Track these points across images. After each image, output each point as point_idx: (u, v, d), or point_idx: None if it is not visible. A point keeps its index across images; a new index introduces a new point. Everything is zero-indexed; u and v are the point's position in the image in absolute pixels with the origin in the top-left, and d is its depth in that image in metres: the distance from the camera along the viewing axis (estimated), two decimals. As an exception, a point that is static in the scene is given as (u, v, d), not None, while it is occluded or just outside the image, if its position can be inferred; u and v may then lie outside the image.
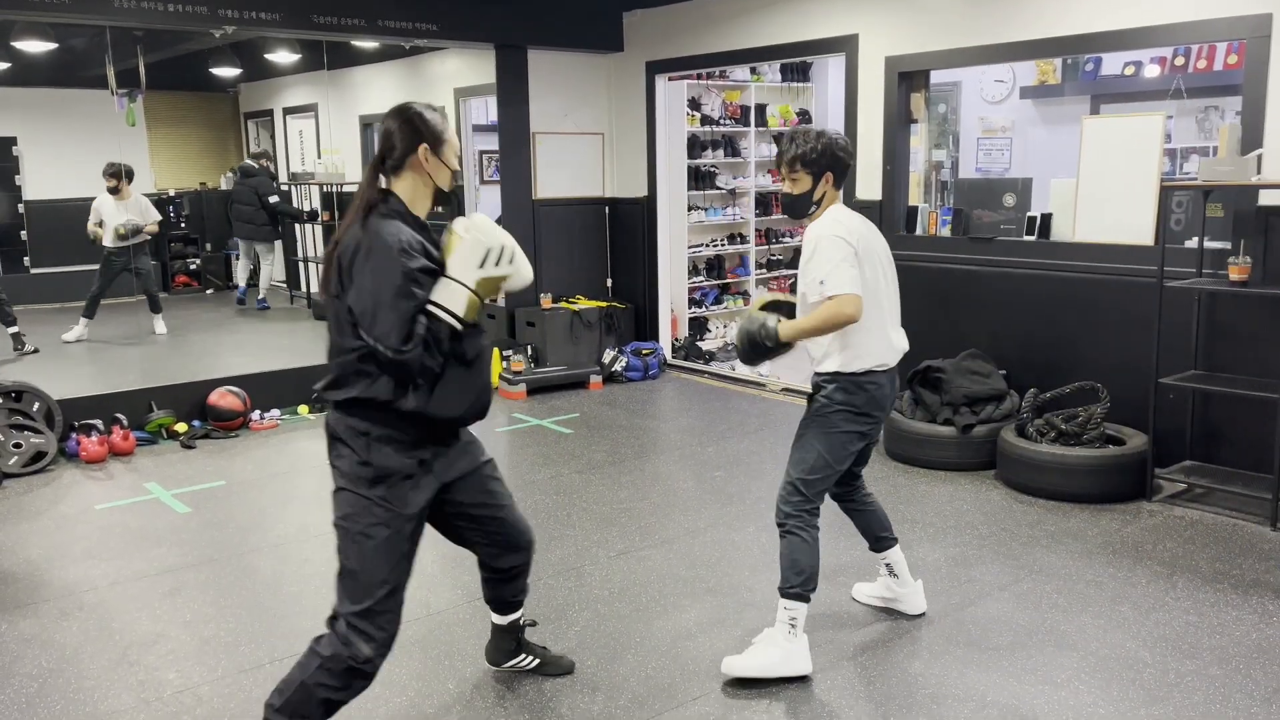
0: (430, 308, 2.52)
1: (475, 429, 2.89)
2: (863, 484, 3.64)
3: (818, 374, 3.37)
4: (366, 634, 2.60)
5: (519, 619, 3.27)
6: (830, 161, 3.29)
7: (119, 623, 3.78)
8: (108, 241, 8.75)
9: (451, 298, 2.54)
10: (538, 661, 3.32)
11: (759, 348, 3.27)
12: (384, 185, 2.68)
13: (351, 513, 2.63)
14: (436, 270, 2.58)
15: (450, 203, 2.79)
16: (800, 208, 3.34)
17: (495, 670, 3.35)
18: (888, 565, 3.70)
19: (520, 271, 2.68)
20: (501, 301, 8.16)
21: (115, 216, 8.75)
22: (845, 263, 3.15)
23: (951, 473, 5.35)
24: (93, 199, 8.88)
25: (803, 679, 3.26)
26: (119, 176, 8.78)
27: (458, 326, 2.55)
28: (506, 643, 3.29)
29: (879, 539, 3.67)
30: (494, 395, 2.91)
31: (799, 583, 3.25)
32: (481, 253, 2.56)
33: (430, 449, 2.70)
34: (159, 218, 9.07)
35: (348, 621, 2.60)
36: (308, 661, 2.63)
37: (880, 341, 3.31)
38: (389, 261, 2.48)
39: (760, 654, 3.28)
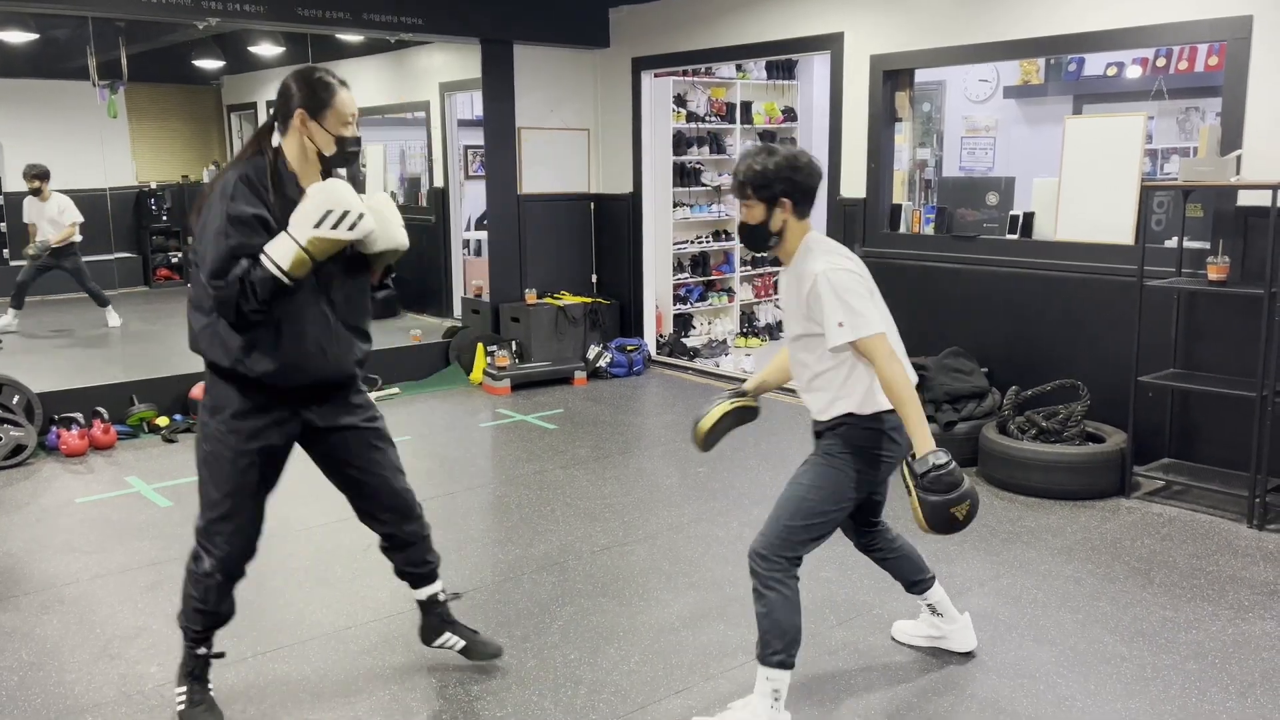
0: (262, 257, 2.61)
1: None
2: (886, 528, 3.25)
3: (823, 420, 2.94)
4: (206, 548, 2.86)
5: (437, 594, 3.25)
6: (785, 187, 2.79)
7: (100, 616, 3.77)
8: (30, 249, 8.71)
9: (280, 251, 2.62)
10: (463, 644, 3.29)
11: (955, 490, 2.74)
12: (275, 143, 2.78)
13: (199, 435, 2.87)
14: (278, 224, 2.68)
15: (347, 169, 2.85)
16: (757, 240, 2.87)
17: (430, 651, 3.35)
18: (929, 606, 3.36)
19: (387, 236, 2.76)
20: (487, 297, 8.16)
21: (37, 221, 8.71)
22: (864, 299, 2.79)
23: (933, 469, 5.38)
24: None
25: None
26: (42, 178, 8.67)
27: (284, 280, 2.62)
28: (430, 619, 3.28)
29: (913, 584, 3.31)
30: (338, 361, 2.88)
31: (782, 648, 2.81)
32: (319, 213, 2.62)
33: (280, 405, 2.82)
34: (79, 219, 8.77)
35: (196, 533, 2.89)
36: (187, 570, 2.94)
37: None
38: (217, 204, 2.65)
39: None
